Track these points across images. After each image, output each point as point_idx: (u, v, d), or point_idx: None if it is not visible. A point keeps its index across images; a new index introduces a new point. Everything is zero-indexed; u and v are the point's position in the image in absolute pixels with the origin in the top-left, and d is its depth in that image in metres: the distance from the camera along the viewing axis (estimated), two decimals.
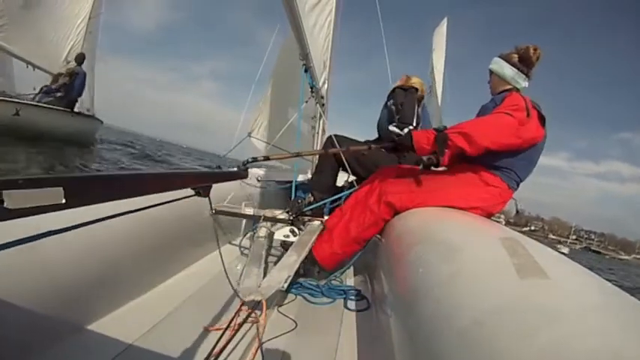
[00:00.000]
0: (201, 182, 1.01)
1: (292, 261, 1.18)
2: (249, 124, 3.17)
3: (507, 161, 1.32)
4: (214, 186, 1.52)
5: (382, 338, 0.93)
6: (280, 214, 1.69)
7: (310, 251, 1.46)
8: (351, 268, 1.59)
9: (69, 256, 0.85)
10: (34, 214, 0.43)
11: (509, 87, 1.47)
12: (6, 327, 0.70)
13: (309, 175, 3.13)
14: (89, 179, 0.57)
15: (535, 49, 1.43)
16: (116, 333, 0.91)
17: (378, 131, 2.15)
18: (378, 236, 1.43)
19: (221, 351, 0.82)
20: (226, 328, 0.90)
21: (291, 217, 1.65)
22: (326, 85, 2.55)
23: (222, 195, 1.71)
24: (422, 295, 0.66)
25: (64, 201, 0.47)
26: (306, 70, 1.97)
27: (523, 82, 1.46)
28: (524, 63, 1.44)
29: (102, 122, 9.57)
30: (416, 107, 1.96)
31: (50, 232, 0.67)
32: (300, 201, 1.82)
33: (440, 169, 1.58)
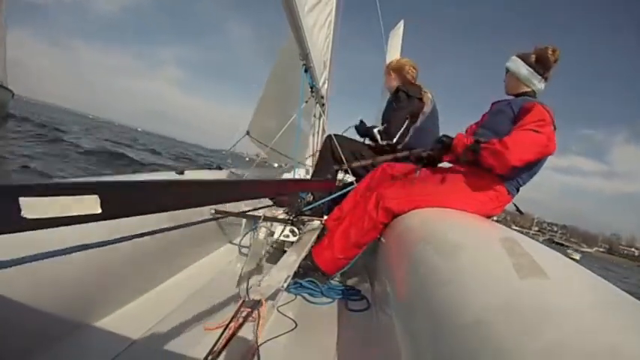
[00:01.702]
0: (282, 191, 0.93)
1: (292, 261, 1.18)
2: (248, 122, 3.17)
3: (512, 170, 1.30)
4: None
5: (382, 338, 0.93)
6: (280, 214, 1.69)
7: (312, 259, 1.46)
8: (351, 268, 1.60)
9: (69, 255, 0.85)
10: (61, 225, 0.37)
11: (525, 89, 1.44)
12: (7, 326, 0.71)
13: (302, 174, 3.14)
14: (134, 186, 0.48)
15: (554, 50, 1.39)
16: (117, 332, 0.92)
17: (382, 122, 2.13)
18: (378, 236, 1.43)
19: (221, 350, 0.82)
20: (226, 328, 0.90)
21: (291, 217, 1.65)
22: (326, 85, 2.55)
23: None
24: (422, 295, 0.66)
25: (99, 211, 0.40)
26: (306, 70, 1.96)
27: (539, 84, 1.43)
28: (541, 64, 1.41)
29: (13, 93, 8.64)
30: (405, 125, 1.89)
31: (84, 245, 0.58)
32: (299, 201, 1.82)
33: (442, 165, 1.57)
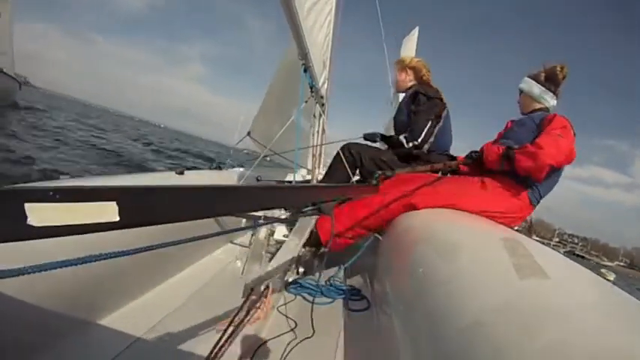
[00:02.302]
0: (324, 197, 0.90)
1: (294, 245, 1.17)
2: (250, 122, 3.16)
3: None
4: None
5: (382, 338, 0.92)
6: (280, 213, 1.69)
7: (315, 232, 1.47)
8: (351, 268, 1.59)
9: (71, 254, 0.85)
10: (72, 234, 0.34)
11: (539, 106, 1.52)
12: (10, 325, 0.71)
13: (304, 175, 3.13)
14: (157, 193, 0.44)
15: (562, 68, 1.49)
16: (118, 331, 0.92)
17: (395, 126, 2.10)
18: (378, 236, 1.43)
19: (221, 350, 0.82)
20: (227, 328, 0.90)
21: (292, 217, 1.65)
22: (326, 85, 2.54)
23: None
24: (422, 295, 0.66)
25: (117, 219, 0.37)
26: (305, 70, 1.96)
27: (551, 100, 1.52)
28: (551, 81, 1.50)
29: (20, 84, 8.91)
30: (428, 125, 1.86)
31: (101, 255, 0.55)
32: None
33: (461, 176, 1.58)
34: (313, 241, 1.47)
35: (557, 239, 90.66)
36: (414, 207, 1.34)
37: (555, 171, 1.34)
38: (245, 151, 2.62)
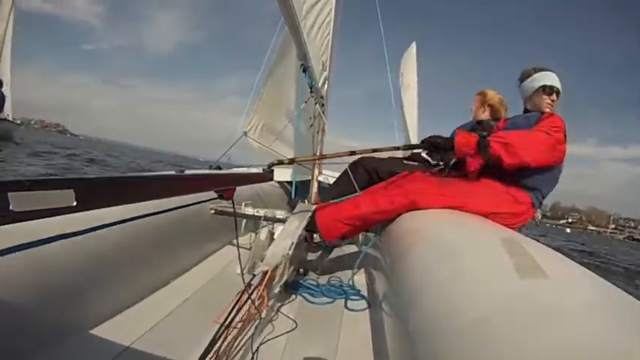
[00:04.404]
0: (225, 184, 1.02)
1: (294, 228, 1.17)
2: (246, 123, 3.15)
3: (536, 180, 1.33)
4: None
5: (382, 338, 0.93)
6: (280, 214, 1.69)
7: (313, 216, 1.46)
8: (352, 268, 1.60)
9: (73, 256, 0.86)
10: (42, 217, 0.42)
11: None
12: (10, 326, 0.71)
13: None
14: (102, 181, 0.56)
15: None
16: (118, 332, 0.92)
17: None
18: (379, 236, 1.43)
19: (221, 350, 0.82)
20: (227, 328, 0.90)
21: None
22: (326, 86, 2.54)
23: None
24: (422, 295, 0.66)
25: (74, 204, 0.45)
26: (304, 70, 1.96)
27: None
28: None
29: (18, 126, 11.46)
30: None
31: (60, 236, 0.65)
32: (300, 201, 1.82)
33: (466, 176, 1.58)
34: (310, 225, 1.46)
35: (612, 226, 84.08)
36: (416, 206, 1.33)
37: (551, 170, 1.33)
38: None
